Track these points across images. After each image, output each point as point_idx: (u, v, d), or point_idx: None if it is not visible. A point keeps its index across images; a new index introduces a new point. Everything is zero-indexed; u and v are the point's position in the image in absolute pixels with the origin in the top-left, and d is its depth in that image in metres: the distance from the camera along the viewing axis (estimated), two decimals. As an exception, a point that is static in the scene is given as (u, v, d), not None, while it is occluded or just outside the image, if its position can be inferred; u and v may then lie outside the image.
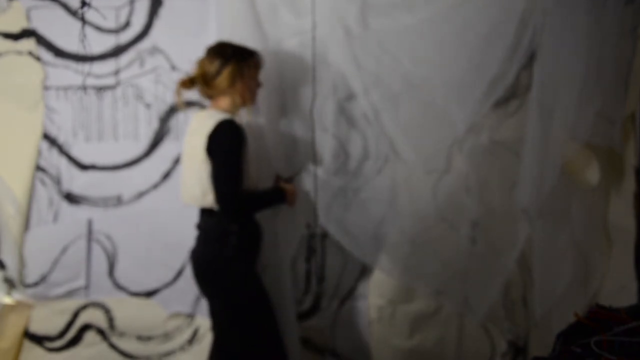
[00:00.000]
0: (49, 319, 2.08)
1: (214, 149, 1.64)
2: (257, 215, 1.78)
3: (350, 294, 2.07)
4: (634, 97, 1.65)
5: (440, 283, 1.97)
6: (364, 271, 2.05)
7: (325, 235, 2.02)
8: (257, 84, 1.78)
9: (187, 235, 2.03)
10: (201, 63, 1.74)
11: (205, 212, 1.71)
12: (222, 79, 1.70)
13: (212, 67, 1.72)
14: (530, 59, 1.82)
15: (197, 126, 1.71)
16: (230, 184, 1.62)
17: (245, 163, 1.66)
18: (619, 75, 1.67)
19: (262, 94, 1.85)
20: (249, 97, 1.75)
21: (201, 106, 2.06)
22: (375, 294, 2.05)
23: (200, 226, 1.74)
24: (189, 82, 1.76)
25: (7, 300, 2.05)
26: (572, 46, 1.69)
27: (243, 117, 1.86)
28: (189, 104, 2.08)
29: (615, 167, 1.75)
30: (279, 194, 1.81)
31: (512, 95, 1.93)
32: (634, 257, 1.63)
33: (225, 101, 1.73)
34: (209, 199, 1.67)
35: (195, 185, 1.68)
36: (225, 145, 1.63)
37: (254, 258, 1.74)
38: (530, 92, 1.83)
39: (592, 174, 1.76)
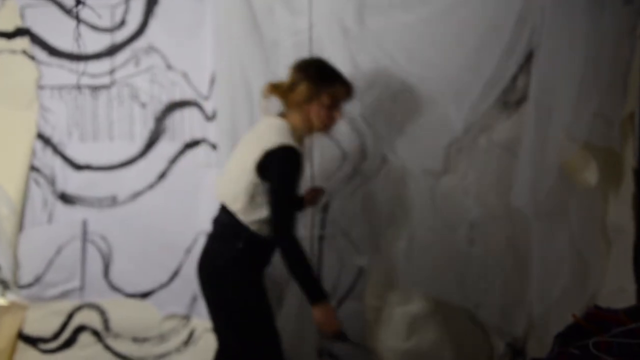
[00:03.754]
0: (43, 320, 2.09)
1: (271, 174, 1.56)
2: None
3: (347, 296, 2.06)
4: (633, 97, 1.65)
5: (438, 286, 1.95)
6: (361, 273, 2.04)
7: (322, 237, 2.01)
8: (334, 115, 1.65)
9: (183, 236, 2.08)
10: (288, 72, 1.67)
11: (224, 210, 1.66)
12: (296, 94, 1.61)
13: (291, 78, 1.64)
14: (529, 59, 1.81)
15: (261, 132, 1.62)
16: (288, 218, 1.58)
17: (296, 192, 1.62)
18: (618, 75, 1.67)
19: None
20: (318, 124, 1.64)
21: (198, 107, 2.06)
22: (372, 296, 2.04)
23: (216, 221, 1.70)
24: (272, 88, 1.66)
25: (1, 301, 2.05)
26: (570, 46, 1.69)
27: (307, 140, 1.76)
28: (185, 104, 2.09)
29: (613, 167, 1.74)
30: (317, 292, 1.60)
31: (510, 96, 1.92)
32: (632, 258, 1.63)
33: (294, 117, 1.63)
34: (237, 205, 1.61)
35: (231, 187, 1.63)
36: (287, 177, 1.56)
37: (258, 267, 1.69)
38: (529, 93, 1.82)
39: (591, 175, 1.75)
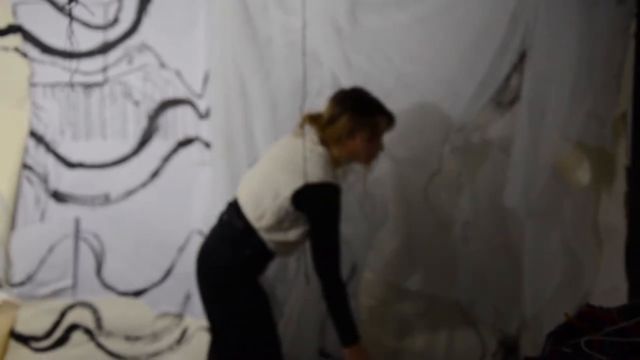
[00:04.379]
0: (35, 319, 2.07)
1: (313, 212, 1.53)
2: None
3: None
4: (625, 97, 1.64)
5: (430, 285, 1.96)
6: (355, 271, 2.04)
7: None
8: (377, 147, 1.62)
9: (176, 235, 2.08)
10: (326, 103, 1.63)
11: (240, 215, 1.61)
12: (336, 128, 1.57)
13: (330, 111, 1.60)
14: (522, 58, 1.81)
15: (300, 157, 1.51)
16: (335, 261, 1.55)
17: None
18: (611, 74, 1.66)
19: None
20: (362, 158, 1.61)
21: (192, 105, 2.05)
22: (365, 295, 2.05)
23: (227, 223, 1.64)
24: (310, 119, 1.61)
25: None
26: (563, 46, 1.68)
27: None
28: (178, 102, 2.08)
29: (606, 166, 1.74)
30: (352, 335, 1.59)
31: (503, 95, 1.92)
32: (624, 257, 1.63)
33: (335, 149, 1.58)
34: (261, 223, 1.57)
35: (259, 202, 1.57)
36: (332, 215, 1.53)
37: (258, 272, 1.68)
38: (522, 92, 1.82)
39: (583, 174, 1.74)
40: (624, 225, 1.63)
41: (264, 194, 1.57)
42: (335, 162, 1.59)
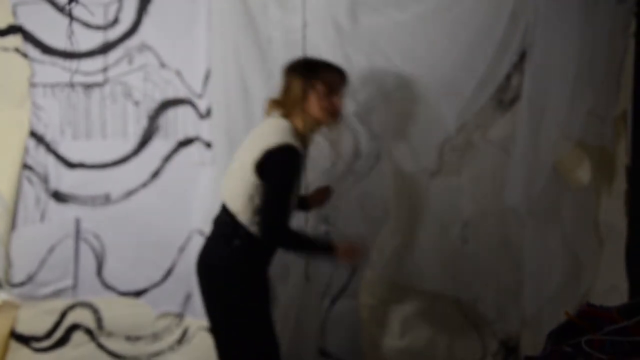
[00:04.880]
0: (36, 319, 2.08)
1: (267, 173, 1.55)
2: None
3: (341, 294, 2.07)
4: (625, 95, 1.66)
5: (431, 284, 1.97)
6: (355, 271, 2.05)
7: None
8: (334, 104, 1.62)
9: (177, 235, 2.07)
10: (281, 80, 1.66)
11: (225, 209, 1.66)
12: (291, 94, 1.60)
13: (284, 82, 1.63)
14: (522, 57, 1.82)
15: (262, 132, 1.60)
16: (279, 218, 1.56)
17: (293, 193, 1.59)
18: (611, 73, 1.69)
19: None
20: (322, 115, 1.61)
21: (192, 105, 2.06)
22: (366, 294, 2.05)
23: (216, 220, 1.69)
24: (271, 103, 1.65)
25: None
26: (563, 45, 1.70)
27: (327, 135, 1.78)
28: (178, 102, 2.08)
29: (606, 165, 1.77)
30: (325, 247, 1.64)
31: (503, 94, 1.93)
32: (624, 256, 1.64)
33: (296, 117, 1.61)
34: (236, 205, 1.60)
35: (231, 186, 1.63)
36: (282, 177, 1.55)
37: (256, 266, 1.67)
38: (523, 91, 1.83)
39: (583, 173, 1.77)
40: (623, 224, 1.66)
41: (236, 177, 1.61)
42: (299, 133, 1.61)
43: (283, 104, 1.62)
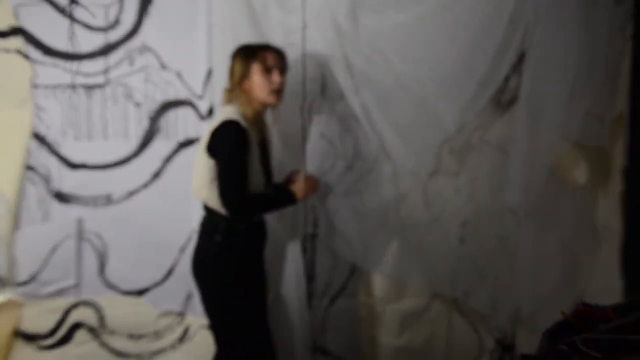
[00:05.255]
0: (39, 318, 2.09)
1: (216, 150, 1.61)
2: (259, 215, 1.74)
3: (340, 293, 2.08)
4: (623, 97, 1.66)
5: (430, 284, 1.98)
6: (354, 270, 2.05)
7: (315, 235, 2.03)
8: (274, 81, 1.67)
9: (177, 235, 2.08)
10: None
11: (203, 206, 1.70)
12: (234, 77, 1.68)
13: (228, 68, 1.70)
14: (521, 59, 1.82)
15: (213, 121, 1.70)
16: (232, 190, 1.59)
17: (250, 166, 1.62)
18: (609, 75, 1.69)
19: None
20: (262, 93, 1.66)
21: (193, 106, 2.07)
22: (365, 293, 2.06)
23: (201, 219, 1.73)
24: (226, 92, 1.71)
25: None
26: (562, 46, 1.70)
27: (268, 117, 1.80)
28: (179, 103, 2.09)
29: (602, 166, 1.77)
30: (285, 195, 1.73)
31: (502, 96, 1.92)
32: (619, 256, 1.65)
33: (240, 98, 1.67)
34: (203, 194, 1.66)
35: (196, 177, 1.67)
36: (226, 147, 1.59)
37: (244, 259, 1.70)
38: (521, 92, 1.83)
39: (580, 174, 1.77)
40: (619, 224, 1.67)
41: (196, 168, 1.68)
42: (247, 116, 1.65)
43: (229, 89, 1.70)
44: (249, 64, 1.66)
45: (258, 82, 1.66)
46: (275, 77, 1.67)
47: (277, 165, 1.90)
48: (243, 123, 1.61)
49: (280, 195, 1.74)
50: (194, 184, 1.69)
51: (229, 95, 1.70)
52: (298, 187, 1.74)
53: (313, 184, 1.80)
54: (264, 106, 1.70)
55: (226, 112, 1.65)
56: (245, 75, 1.67)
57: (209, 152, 1.61)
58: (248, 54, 1.68)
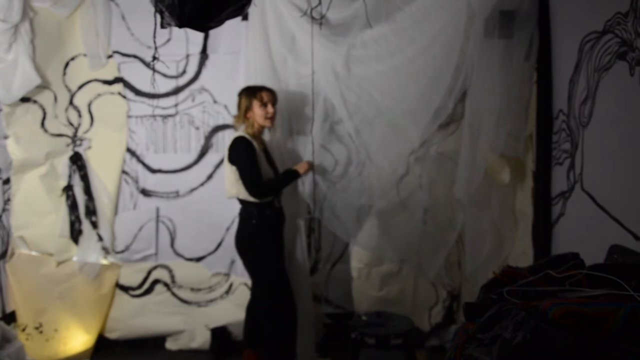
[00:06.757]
0: (131, 275, 2.26)
1: (233, 159, 1.84)
2: (279, 202, 1.94)
3: (339, 260, 2.24)
4: (531, 122, 1.79)
5: (401, 253, 2.12)
6: (348, 244, 2.20)
7: (320, 220, 2.18)
8: (269, 111, 1.87)
9: (224, 218, 2.22)
10: None
11: (239, 200, 1.90)
12: (240, 110, 1.90)
13: (237, 104, 1.93)
14: (464, 95, 1.97)
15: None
16: (253, 181, 1.81)
17: (259, 164, 1.84)
18: (522, 107, 1.80)
19: (277, 120, 1.99)
20: (260, 120, 1.87)
21: (234, 129, 2.15)
22: (356, 260, 2.21)
23: (240, 209, 1.92)
24: (235, 120, 1.94)
25: (104, 261, 2.23)
26: (491, 87, 1.80)
27: (267, 136, 2.03)
28: (226, 127, 2.21)
29: (519, 170, 1.87)
30: (292, 173, 1.92)
31: (451, 121, 2.10)
32: (531, 232, 1.77)
33: (247, 125, 1.89)
34: (233, 191, 1.87)
35: (226, 181, 1.89)
36: (239, 154, 1.81)
37: (271, 235, 1.88)
38: (464, 119, 1.99)
39: (505, 175, 1.89)
40: (531, 210, 1.78)
41: (227, 177, 1.88)
42: (250, 134, 1.87)
43: (238, 117, 1.92)
44: (251, 100, 1.88)
45: (258, 112, 1.89)
46: (270, 108, 1.91)
47: (295, 165, 2.02)
48: (248, 137, 1.85)
49: (287, 174, 1.94)
50: (226, 186, 1.89)
51: (238, 121, 1.93)
52: (301, 166, 1.95)
53: (310, 164, 1.98)
54: (262, 128, 1.94)
55: (236, 133, 1.89)
56: (248, 107, 1.89)
57: (230, 161, 1.84)
58: (250, 93, 1.90)
